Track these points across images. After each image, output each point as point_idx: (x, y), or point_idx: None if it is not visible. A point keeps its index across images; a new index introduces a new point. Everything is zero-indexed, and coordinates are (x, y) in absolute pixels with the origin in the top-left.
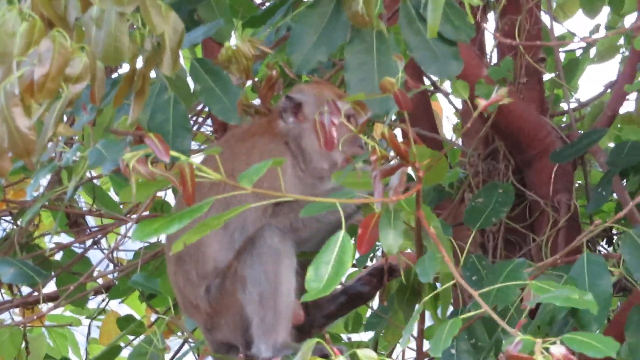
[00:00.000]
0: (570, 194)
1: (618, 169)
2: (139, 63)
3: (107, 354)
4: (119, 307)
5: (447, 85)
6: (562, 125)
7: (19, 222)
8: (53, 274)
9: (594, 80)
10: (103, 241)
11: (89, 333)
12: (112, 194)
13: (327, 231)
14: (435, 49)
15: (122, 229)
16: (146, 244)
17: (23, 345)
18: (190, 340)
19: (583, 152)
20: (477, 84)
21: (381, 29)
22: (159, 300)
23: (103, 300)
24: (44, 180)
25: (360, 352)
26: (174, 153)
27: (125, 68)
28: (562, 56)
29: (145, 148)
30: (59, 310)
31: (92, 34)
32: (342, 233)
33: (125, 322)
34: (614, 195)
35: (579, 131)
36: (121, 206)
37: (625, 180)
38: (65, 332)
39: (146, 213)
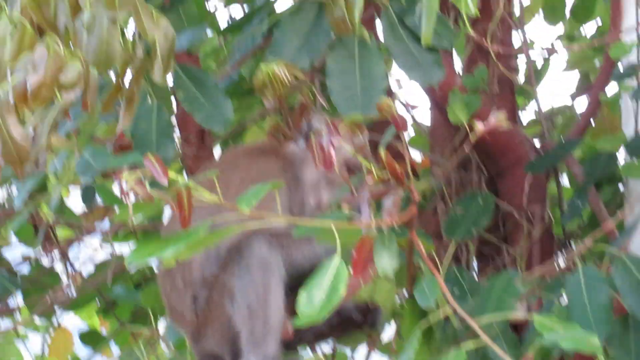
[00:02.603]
0: (544, 205)
1: (593, 179)
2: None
3: None
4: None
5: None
6: (534, 135)
7: None
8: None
9: (552, 90)
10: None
11: (43, 346)
12: (71, 205)
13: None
14: (417, 55)
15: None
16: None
17: None
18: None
19: (558, 162)
20: (450, 93)
21: (363, 36)
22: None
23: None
24: None
25: None
26: (172, 175)
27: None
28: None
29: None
30: (5, 324)
31: (83, 39)
32: (336, 258)
33: (89, 337)
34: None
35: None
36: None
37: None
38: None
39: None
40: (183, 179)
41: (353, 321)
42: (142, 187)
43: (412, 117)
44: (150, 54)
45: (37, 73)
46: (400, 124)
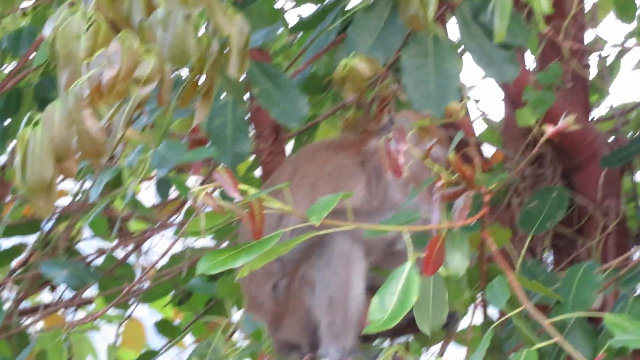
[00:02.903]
0: (619, 199)
1: None
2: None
3: (141, 358)
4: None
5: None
6: (607, 131)
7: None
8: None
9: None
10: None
11: (117, 337)
12: (144, 200)
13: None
14: (491, 52)
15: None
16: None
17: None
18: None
19: (632, 157)
20: (525, 89)
21: (437, 33)
22: (187, 306)
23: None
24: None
25: None
26: (242, 186)
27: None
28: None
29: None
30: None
31: (158, 35)
32: (408, 264)
33: (162, 326)
34: None
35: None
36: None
37: None
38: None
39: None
40: (254, 189)
41: None
42: (212, 199)
43: (483, 113)
44: (225, 50)
45: (112, 68)
46: (469, 130)
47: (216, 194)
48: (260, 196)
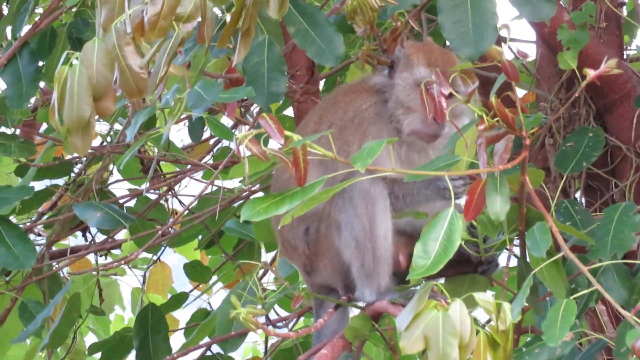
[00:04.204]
0: None
1: None
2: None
3: (173, 301)
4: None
5: None
6: None
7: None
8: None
9: None
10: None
11: (144, 282)
12: (177, 142)
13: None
14: None
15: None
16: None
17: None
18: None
19: None
20: (559, 29)
21: None
22: (215, 249)
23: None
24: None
25: (476, 295)
26: (287, 133)
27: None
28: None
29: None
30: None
31: None
32: (451, 209)
33: (192, 268)
34: None
35: None
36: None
37: None
38: (114, 282)
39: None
40: (298, 136)
41: (468, 261)
42: (256, 144)
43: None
44: None
45: (155, 4)
46: (511, 73)
47: None
48: (306, 142)
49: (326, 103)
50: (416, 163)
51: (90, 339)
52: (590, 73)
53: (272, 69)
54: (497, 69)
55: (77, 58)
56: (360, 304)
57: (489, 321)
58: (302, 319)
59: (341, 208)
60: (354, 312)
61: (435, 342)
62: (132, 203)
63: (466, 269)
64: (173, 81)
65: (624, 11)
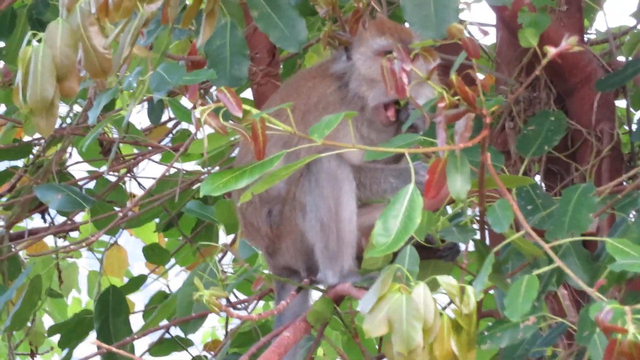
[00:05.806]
0: (613, 123)
1: None
2: None
3: (131, 283)
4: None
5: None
6: (601, 54)
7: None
8: None
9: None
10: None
11: (101, 264)
12: (136, 123)
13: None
14: None
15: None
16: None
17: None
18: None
19: (628, 80)
20: (520, 12)
21: None
22: (173, 232)
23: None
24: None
25: (440, 278)
26: (245, 107)
27: None
28: None
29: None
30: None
31: None
32: (411, 186)
33: (150, 251)
34: None
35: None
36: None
37: None
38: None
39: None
40: (256, 110)
41: (430, 249)
42: (215, 119)
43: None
44: None
45: None
46: (472, 50)
47: None
48: (263, 116)
49: (288, 88)
50: (376, 143)
51: (47, 321)
52: (551, 51)
53: (235, 52)
54: (457, 52)
55: (40, 39)
56: (323, 286)
57: (449, 304)
58: (261, 302)
59: (307, 190)
60: (315, 294)
61: (399, 325)
62: (91, 185)
63: (428, 255)
64: (135, 63)
65: None
